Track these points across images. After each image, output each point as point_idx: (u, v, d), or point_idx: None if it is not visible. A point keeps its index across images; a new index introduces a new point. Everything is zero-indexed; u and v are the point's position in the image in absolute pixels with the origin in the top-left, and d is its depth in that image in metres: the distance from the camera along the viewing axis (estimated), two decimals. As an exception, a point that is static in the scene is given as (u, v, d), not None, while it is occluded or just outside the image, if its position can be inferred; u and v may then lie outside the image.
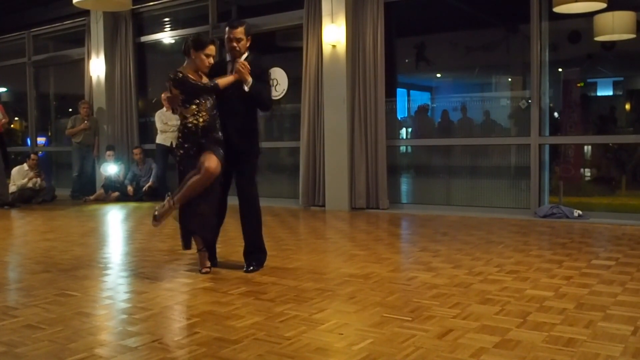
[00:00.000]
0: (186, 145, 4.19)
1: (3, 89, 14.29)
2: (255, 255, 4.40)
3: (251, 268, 4.30)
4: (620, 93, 10.59)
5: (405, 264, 4.74)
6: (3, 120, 10.06)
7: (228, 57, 4.43)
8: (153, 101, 10.52)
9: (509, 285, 3.80)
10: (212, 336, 2.90)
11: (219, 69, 4.34)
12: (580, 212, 6.81)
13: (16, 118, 14.20)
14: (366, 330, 2.96)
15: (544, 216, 6.86)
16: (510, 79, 9.47)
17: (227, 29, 4.33)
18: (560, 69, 8.19)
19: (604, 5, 6.23)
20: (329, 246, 5.52)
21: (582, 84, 8.34)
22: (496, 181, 7.84)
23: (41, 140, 12.95)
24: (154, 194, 9.45)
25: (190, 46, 4.19)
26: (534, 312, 3.21)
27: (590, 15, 6.84)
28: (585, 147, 8.14)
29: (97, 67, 10.62)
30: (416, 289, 3.75)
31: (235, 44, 4.30)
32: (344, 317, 3.20)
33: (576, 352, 2.61)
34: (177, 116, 10.35)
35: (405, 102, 9.68)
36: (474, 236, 5.80)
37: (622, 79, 10.56)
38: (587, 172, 8.48)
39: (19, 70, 12.70)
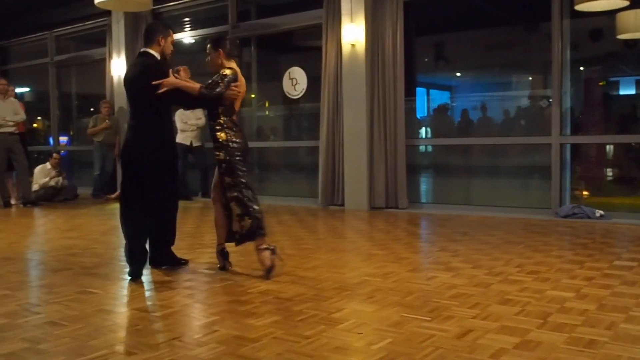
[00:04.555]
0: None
1: (26, 89, 14.49)
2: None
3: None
4: (643, 92, 10.44)
5: (424, 263, 4.73)
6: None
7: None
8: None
9: (529, 286, 3.77)
10: (232, 334, 2.91)
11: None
12: (602, 212, 6.73)
13: (39, 117, 14.39)
14: (385, 329, 2.95)
15: (565, 216, 6.79)
16: (530, 78, 9.39)
17: None
18: (581, 68, 8.10)
19: (626, 2, 6.16)
20: (347, 245, 5.52)
21: (603, 83, 8.24)
22: (516, 181, 7.77)
23: (63, 139, 13.11)
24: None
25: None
26: (555, 313, 3.19)
27: (612, 12, 6.76)
28: (607, 146, 8.04)
29: (118, 67, 10.72)
30: (435, 289, 3.73)
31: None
32: (362, 316, 3.20)
33: (597, 354, 2.58)
34: (196, 115, 10.40)
35: (424, 102, 9.64)
36: (493, 236, 5.76)
37: (644, 77, 10.41)
38: (609, 172, 8.37)
39: (42, 70, 12.88)
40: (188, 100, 4.33)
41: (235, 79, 4.24)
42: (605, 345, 2.69)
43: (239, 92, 4.29)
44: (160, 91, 4.12)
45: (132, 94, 4.38)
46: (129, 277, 4.14)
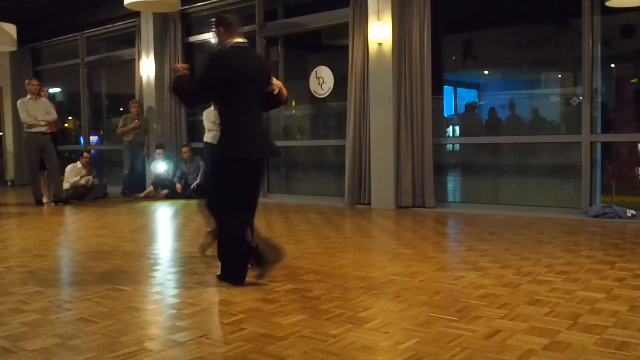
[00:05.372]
0: None
1: (58, 89, 14.75)
2: None
3: None
4: (677, 89, 10.21)
5: (452, 263, 4.69)
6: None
7: None
8: (201, 100, 10.68)
9: (558, 286, 3.72)
10: (259, 332, 2.93)
11: None
12: (634, 212, 6.61)
13: (70, 117, 14.65)
14: (412, 329, 2.94)
15: (596, 216, 6.68)
16: (560, 76, 9.25)
17: None
18: (612, 65, 7.96)
19: (659, -2, 6.04)
20: (374, 244, 5.51)
21: (635, 80, 8.09)
22: (545, 180, 7.66)
23: (93, 138, 13.33)
24: (202, 192, 9.62)
25: None
26: (585, 314, 3.14)
27: (644, 8, 6.63)
28: (639, 145, 7.90)
29: (147, 67, 10.85)
30: (463, 289, 3.71)
31: None
32: (389, 315, 3.19)
33: (629, 356, 2.54)
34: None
35: (452, 100, 9.57)
36: (522, 236, 5.70)
37: (678, 74, 10.19)
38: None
39: (73, 71, 13.10)
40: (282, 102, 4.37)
41: None
42: (638, 347, 2.64)
43: None
44: (276, 91, 4.09)
45: (260, 86, 3.99)
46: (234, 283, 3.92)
